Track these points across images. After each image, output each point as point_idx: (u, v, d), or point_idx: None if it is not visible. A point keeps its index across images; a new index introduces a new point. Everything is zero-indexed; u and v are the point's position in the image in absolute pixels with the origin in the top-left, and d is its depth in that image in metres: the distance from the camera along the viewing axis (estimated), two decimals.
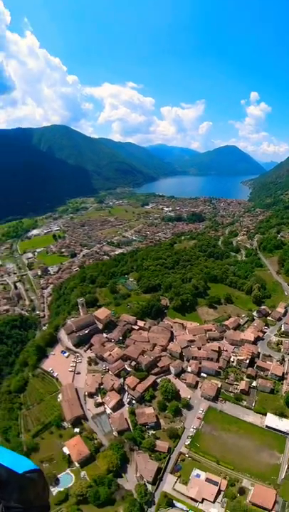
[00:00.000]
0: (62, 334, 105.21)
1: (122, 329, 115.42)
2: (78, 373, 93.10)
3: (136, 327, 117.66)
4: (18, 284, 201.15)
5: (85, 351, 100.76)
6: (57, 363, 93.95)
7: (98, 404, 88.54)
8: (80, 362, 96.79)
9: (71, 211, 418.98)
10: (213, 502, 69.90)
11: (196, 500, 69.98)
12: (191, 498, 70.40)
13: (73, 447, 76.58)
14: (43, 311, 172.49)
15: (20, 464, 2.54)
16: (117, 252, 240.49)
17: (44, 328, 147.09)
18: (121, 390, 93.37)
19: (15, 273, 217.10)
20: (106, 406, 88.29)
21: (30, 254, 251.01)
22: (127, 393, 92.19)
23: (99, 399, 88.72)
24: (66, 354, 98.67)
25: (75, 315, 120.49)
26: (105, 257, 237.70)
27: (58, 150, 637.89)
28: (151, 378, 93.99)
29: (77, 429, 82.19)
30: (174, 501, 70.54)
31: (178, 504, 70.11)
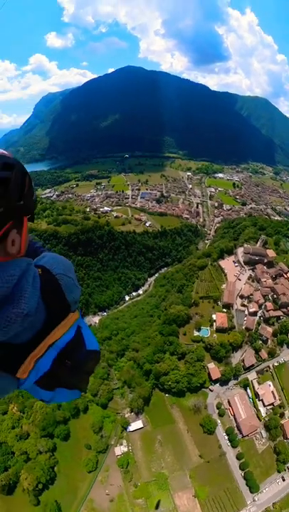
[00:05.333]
0: (239, 250, 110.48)
1: (276, 271, 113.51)
2: (239, 280, 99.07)
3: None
4: (199, 205, 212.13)
5: (249, 270, 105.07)
6: (228, 265, 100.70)
7: (242, 305, 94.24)
8: (243, 274, 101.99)
9: (251, 171, 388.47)
10: None
11: None
12: None
13: (220, 318, 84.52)
14: (210, 230, 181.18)
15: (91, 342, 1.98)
16: (276, 218, 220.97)
17: (207, 241, 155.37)
18: (260, 306, 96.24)
19: (199, 197, 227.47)
20: (246, 309, 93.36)
21: (212, 189, 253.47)
22: (262, 311, 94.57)
23: (245, 302, 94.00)
24: (236, 264, 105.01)
25: (251, 244, 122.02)
26: (266, 217, 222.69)
27: (255, 119, 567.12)
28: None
29: (225, 310, 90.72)
30: None
31: None
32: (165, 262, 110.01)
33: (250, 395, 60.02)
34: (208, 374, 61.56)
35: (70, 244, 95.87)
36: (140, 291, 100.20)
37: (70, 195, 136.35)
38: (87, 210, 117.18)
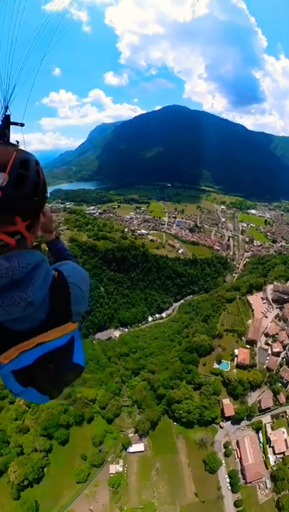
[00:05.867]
0: (269, 287, 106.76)
1: None
2: (266, 317, 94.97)
3: None
4: (230, 239, 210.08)
5: (277, 308, 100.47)
6: (256, 301, 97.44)
7: (266, 344, 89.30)
8: (270, 312, 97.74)
9: (283, 209, 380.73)
10: None
11: None
12: None
13: (242, 353, 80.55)
14: (239, 264, 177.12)
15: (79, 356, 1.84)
16: None
17: (234, 275, 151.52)
18: (285, 347, 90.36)
19: (231, 231, 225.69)
20: (270, 348, 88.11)
21: (244, 224, 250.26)
22: (286, 352, 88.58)
23: (269, 341, 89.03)
24: (264, 301, 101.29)
25: (281, 282, 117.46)
26: None
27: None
28: None
29: (248, 346, 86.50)
30: None
31: None
32: (192, 290, 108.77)
33: (262, 440, 54.85)
34: (222, 410, 57.88)
35: (106, 259, 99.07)
36: (164, 314, 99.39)
37: (111, 215, 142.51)
38: (126, 230, 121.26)
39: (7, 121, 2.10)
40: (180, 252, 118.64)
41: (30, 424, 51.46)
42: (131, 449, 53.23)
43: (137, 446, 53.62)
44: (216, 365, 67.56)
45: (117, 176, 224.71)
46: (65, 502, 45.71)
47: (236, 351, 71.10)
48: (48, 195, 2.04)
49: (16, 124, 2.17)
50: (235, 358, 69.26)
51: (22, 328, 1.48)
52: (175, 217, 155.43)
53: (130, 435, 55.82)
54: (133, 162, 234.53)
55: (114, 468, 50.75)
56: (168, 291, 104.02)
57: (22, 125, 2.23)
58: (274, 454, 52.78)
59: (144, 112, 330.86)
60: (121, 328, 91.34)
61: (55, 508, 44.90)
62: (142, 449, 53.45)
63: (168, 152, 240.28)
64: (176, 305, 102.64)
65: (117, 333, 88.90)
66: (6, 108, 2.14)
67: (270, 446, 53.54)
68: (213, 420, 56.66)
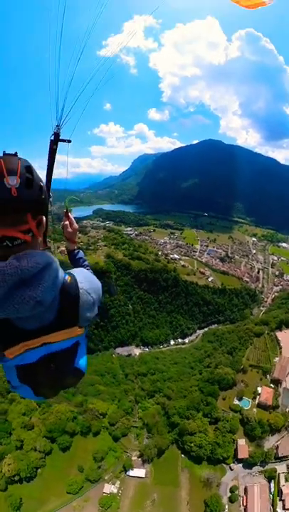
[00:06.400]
0: None
1: None
2: None
3: None
4: (260, 271, 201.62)
5: None
6: (285, 338, 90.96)
7: None
8: None
9: None
10: None
11: None
12: None
13: (265, 392, 74.94)
14: (267, 298, 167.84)
15: (81, 362, 1.87)
16: None
17: (262, 308, 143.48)
18: None
19: (261, 263, 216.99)
20: None
21: (275, 257, 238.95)
22: None
23: None
24: None
25: None
26: None
27: None
28: None
29: (272, 385, 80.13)
30: None
31: None
32: (217, 319, 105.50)
33: (273, 490, 47.99)
34: (235, 450, 52.41)
35: (138, 278, 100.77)
36: (186, 340, 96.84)
37: (146, 237, 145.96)
38: (159, 253, 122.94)
39: (56, 138, 2.32)
40: (210, 280, 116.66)
41: (36, 422, 49.97)
42: (131, 473, 49.51)
43: (138, 471, 49.75)
44: (236, 401, 63.04)
45: (155, 202, 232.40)
46: (49, 508, 42.91)
47: (259, 389, 66.21)
48: (77, 226, 2.52)
49: (63, 140, 2.36)
50: (258, 397, 64.08)
51: (30, 326, 1.51)
52: (207, 246, 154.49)
53: (133, 458, 52.21)
54: (170, 190, 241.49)
55: (110, 488, 47.03)
56: (193, 318, 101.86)
57: (69, 141, 2.40)
58: (283, 508, 45.78)
59: (183, 145, 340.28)
60: (142, 347, 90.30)
61: (38, 511, 42.41)
62: (143, 475, 49.37)
63: (203, 183, 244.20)
64: (199, 332, 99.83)
65: (137, 351, 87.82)
66: (58, 127, 2.32)
67: (280, 499, 46.61)
68: (224, 460, 51.03)
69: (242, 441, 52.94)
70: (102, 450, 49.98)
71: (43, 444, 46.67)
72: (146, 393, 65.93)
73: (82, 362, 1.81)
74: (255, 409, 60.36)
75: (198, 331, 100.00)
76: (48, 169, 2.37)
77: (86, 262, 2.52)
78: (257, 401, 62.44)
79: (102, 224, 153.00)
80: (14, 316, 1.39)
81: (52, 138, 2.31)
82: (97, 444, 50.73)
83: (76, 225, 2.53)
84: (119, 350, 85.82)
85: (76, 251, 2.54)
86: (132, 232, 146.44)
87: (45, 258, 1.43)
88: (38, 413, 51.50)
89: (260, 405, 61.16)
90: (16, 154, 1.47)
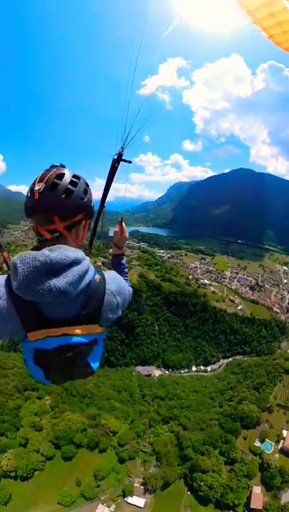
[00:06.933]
0: None
1: None
2: None
3: None
4: None
5: None
6: None
7: None
8: None
9: None
10: None
11: None
12: None
13: None
14: None
15: (94, 360, 1.82)
16: None
17: None
18: None
19: None
20: None
21: None
22: None
23: None
24: None
25: None
26: None
27: None
28: None
29: None
30: None
31: None
32: (243, 350, 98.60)
33: None
34: (248, 498, 44.80)
35: (167, 300, 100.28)
36: (209, 368, 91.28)
37: (177, 261, 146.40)
38: (190, 277, 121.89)
39: (119, 158, 2.44)
40: (239, 308, 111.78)
41: (45, 425, 47.65)
42: (130, 499, 44.86)
43: (138, 500, 44.75)
44: (257, 443, 56.32)
45: (188, 227, 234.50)
46: None
47: (285, 433, 58.92)
48: (127, 235, 2.56)
49: (125, 160, 2.46)
50: (282, 441, 56.73)
51: (54, 315, 1.53)
52: (237, 273, 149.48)
53: (136, 484, 47.23)
54: (203, 217, 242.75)
55: (103, 509, 42.89)
56: (219, 346, 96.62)
57: (130, 162, 2.50)
58: None
59: (215, 173, 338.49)
60: (163, 369, 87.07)
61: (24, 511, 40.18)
62: (141, 505, 44.39)
63: (234, 210, 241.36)
64: (223, 362, 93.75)
65: (157, 373, 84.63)
66: (122, 148, 2.43)
67: None
68: (233, 506, 44.30)
69: (257, 489, 46.11)
70: (105, 469, 45.94)
71: (47, 449, 44.39)
72: (162, 418, 60.99)
73: (95, 360, 1.81)
74: (277, 455, 53.32)
75: (222, 360, 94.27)
76: (106, 184, 2.51)
77: (126, 269, 2.53)
78: (280, 445, 55.46)
79: (137, 245, 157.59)
80: (39, 300, 1.42)
81: (115, 157, 2.44)
82: (101, 462, 46.82)
83: (126, 234, 2.59)
84: (139, 368, 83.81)
85: (119, 256, 2.59)
86: (164, 255, 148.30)
87: (76, 254, 1.47)
88: (49, 416, 49.43)
89: (283, 451, 54.17)
90: (59, 165, 1.60)
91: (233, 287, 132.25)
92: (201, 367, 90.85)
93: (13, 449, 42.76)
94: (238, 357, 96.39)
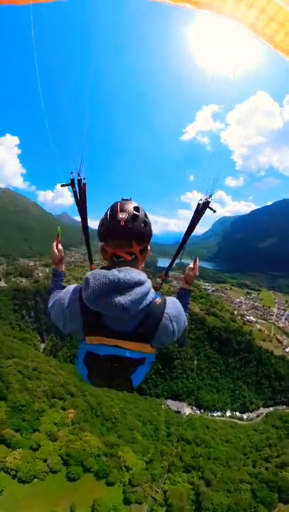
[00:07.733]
0: None
1: None
2: None
3: None
4: None
5: None
6: None
7: None
8: None
9: None
10: None
11: None
12: None
13: None
14: None
15: (137, 380, 1.81)
16: None
17: None
18: None
19: None
20: None
21: None
22: None
23: None
24: None
25: None
26: None
27: None
28: None
29: None
30: None
31: None
32: (288, 400, 78.63)
33: None
34: None
35: (210, 335, 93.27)
36: (245, 416, 75.45)
37: (222, 294, 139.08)
38: (235, 313, 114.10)
39: (206, 204, 2.63)
40: (287, 350, 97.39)
41: (61, 437, 43.08)
42: None
43: None
44: None
45: (233, 261, 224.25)
46: None
47: None
48: (198, 273, 2.66)
49: (211, 208, 2.61)
50: None
51: (112, 327, 1.59)
52: (285, 310, 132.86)
53: None
54: (248, 250, 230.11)
55: None
56: (260, 392, 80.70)
57: (214, 211, 2.65)
58: None
59: (258, 207, 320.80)
60: (194, 408, 75.69)
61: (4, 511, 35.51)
62: None
63: (280, 243, 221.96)
64: (263, 411, 76.79)
65: (187, 411, 73.81)
66: (210, 196, 2.61)
67: None
68: None
69: None
70: (106, 504, 38.62)
71: (55, 462, 39.99)
72: (183, 465, 49.78)
73: (138, 378, 1.80)
74: None
75: (261, 408, 77.80)
76: (190, 224, 2.64)
77: (188, 305, 2.58)
78: None
79: (182, 276, 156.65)
80: (103, 312, 1.53)
81: (200, 202, 2.57)
82: (104, 495, 39.70)
83: (197, 272, 2.63)
84: (169, 402, 75.19)
85: (186, 291, 2.63)
86: (209, 288, 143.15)
87: (140, 276, 1.55)
88: (67, 430, 44.76)
89: None
90: (130, 199, 1.80)
91: (280, 325, 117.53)
92: (237, 413, 76.16)
93: (22, 449, 41.07)
94: (281, 407, 77.90)
